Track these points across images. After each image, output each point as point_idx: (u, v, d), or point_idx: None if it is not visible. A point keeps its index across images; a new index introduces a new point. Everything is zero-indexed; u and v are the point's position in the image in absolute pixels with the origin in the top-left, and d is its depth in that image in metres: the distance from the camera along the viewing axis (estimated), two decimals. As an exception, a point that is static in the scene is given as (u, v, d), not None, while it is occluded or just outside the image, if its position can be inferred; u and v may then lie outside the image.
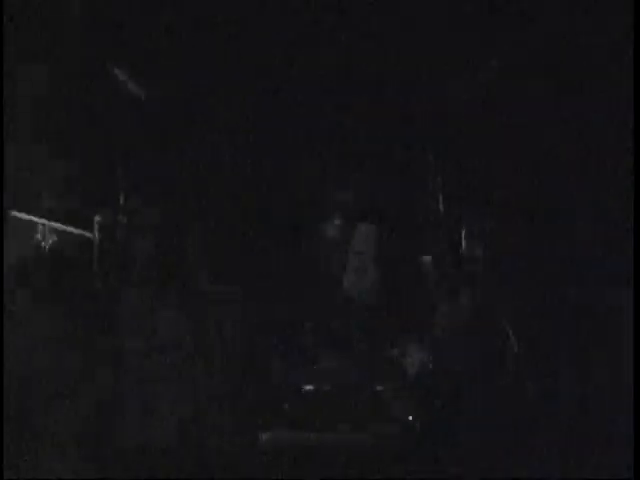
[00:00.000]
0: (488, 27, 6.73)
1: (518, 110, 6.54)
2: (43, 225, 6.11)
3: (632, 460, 5.39)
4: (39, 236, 6.07)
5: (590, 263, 6.39)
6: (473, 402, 5.97)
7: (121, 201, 6.18)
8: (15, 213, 6.04)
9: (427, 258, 6.35)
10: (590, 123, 6.62)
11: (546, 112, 6.63)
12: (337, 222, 6.64)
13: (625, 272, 6.17)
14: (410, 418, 5.94)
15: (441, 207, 6.40)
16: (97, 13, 6.68)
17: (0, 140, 6.01)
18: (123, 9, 6.70)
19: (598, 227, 6.51)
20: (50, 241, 6.09)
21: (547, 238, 6.48)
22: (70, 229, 6.27)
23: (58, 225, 6.20)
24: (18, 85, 6.38)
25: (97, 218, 6.20)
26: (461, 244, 6.32)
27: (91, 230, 6.21)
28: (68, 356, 5.65)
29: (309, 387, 6.06)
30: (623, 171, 6.36)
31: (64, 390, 5.54)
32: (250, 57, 6.83)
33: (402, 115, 6.70)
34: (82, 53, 6.61)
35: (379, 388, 6.04)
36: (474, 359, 6.07)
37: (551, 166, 6.60)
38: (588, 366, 6.17)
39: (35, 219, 6.11)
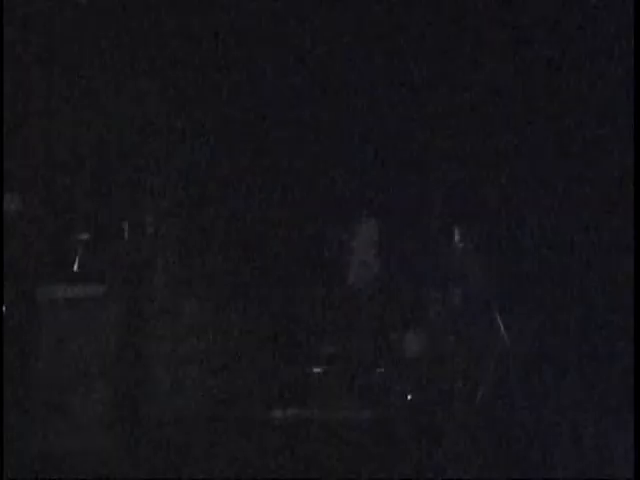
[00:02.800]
0: (487, 30, 6.99)
1: (516, 114, 6.83)
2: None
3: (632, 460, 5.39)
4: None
5: (583, 260, 6.68)
6: (465, 384, 6.47)
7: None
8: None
9: None
10: (587, 125, 6.85)
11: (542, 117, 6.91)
12: (341, 219, 7.08)
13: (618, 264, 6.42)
14: (409, 397, 6.45)
15: (438, 206, 6.85)
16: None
17: (0, 141, 6.14)
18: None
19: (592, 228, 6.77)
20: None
21: (538, 233, 6.79)
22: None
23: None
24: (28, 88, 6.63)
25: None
26: (454, 239, 6.76)
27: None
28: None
29: (317, 369, 6.57)
30: (619, 171, 6.60)
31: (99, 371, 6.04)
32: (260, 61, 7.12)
33: (404, 119, 7.06)
34: (108, 68, 6.86)
35: (380, 370, 6.53)
36: (465, 346, 6.55)
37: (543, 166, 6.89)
38: (581, 360, 6.45)
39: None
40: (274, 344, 6.62)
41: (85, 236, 6.61)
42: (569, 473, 5.55)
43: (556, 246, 6.72)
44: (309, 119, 7.10)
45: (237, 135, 7.06)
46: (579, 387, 6.32)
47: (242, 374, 6.47)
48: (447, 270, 6.70)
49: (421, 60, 7.06)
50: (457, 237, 6.71)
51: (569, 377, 6.37)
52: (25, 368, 6.04)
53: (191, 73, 6.97)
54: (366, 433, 6.21)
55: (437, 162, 6.91)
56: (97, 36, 6.82)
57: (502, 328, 6.58)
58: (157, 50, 6.93)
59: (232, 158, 7.08)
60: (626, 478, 5.45)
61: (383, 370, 6.51)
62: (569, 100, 6.86)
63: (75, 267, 6.54)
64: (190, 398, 6.36)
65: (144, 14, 6.88)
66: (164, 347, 6.39)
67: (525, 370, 6.41)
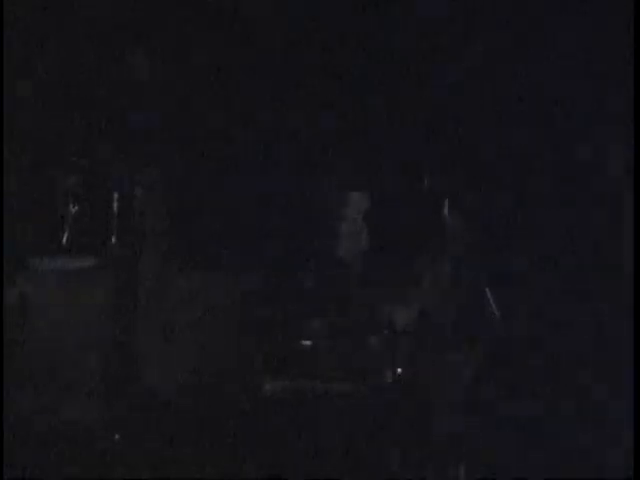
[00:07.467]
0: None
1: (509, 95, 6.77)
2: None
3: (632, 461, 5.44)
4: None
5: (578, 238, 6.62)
6: (457, 356, 6.47)
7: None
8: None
9: None
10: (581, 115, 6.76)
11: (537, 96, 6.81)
12: (331, 190, 7.06)
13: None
14: (399, 371, 6.46)
15: (426, 181, 6.86)
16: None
17: (0, 140, 6.17)
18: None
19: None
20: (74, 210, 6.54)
21: (529, 208, 6.70)
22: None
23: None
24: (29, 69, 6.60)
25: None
26: (444, 214, 6.77)
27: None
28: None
29: (307, 342, 6.59)
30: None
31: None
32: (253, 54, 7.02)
33: (392, 99, 7.08)
34: (94, 41, 6.75)
35: (370, 343, 6.55)
36: (457, 318, 6.57)
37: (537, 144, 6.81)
38: (569, 332, 6.41)
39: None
40: (263, 317, 6.61)
41: (74, 209, 6.61)
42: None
43: (548, 223, 6.71)
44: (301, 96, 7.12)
45: (229, 108, 7.06)
46: (570, 367, 6.33)
47: (232, 347, 6.48)
48: (437, 243, 6.72)
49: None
50: (447, 210, 6.72)
51: (561, 356, 6.37)
52: (14, 342, 6.07)
53: (181, 48, 6.95)
54: (356, 405, 6.26)
55: (427, 135, 6.90)
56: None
57: (492, 302, 6.60)
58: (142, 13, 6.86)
59: (224, 130, 7.02)
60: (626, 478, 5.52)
61: (373, 343, 6.50)
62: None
63: (64, 240, 6.55)
64: (181, 371, 6.37)
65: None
66: (155, 320, 6.40)
67: (515, 347, 6.42)
